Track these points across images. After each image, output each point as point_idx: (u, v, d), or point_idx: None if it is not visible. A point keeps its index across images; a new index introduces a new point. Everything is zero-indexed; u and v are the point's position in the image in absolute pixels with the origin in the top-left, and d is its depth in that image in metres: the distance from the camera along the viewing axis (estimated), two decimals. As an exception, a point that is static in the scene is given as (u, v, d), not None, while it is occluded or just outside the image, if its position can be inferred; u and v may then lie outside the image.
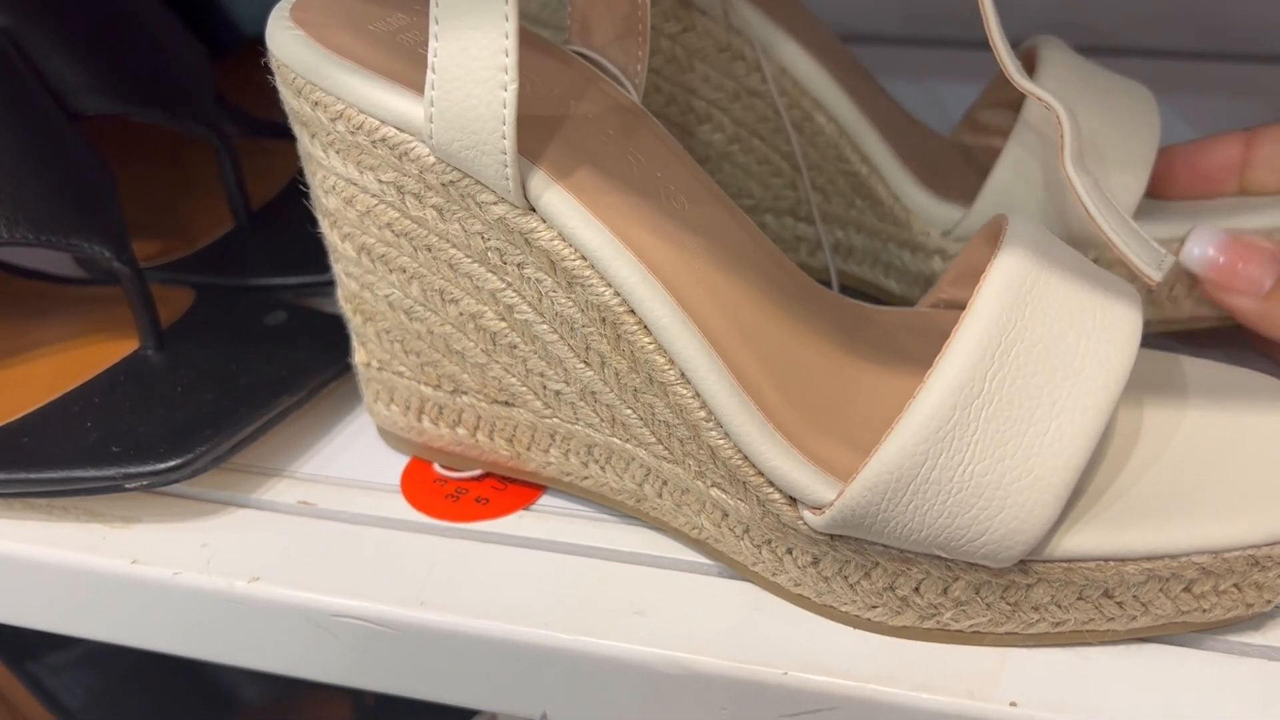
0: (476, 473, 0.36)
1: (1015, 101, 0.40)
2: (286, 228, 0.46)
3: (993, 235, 0.33)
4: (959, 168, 0.41)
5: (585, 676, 0.32)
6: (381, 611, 0.33)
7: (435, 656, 0.33)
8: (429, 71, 0.28)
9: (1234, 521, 0.28)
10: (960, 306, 0.34)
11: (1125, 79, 0.40)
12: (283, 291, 0.44)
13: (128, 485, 0.34)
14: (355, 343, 0.36)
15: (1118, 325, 0.29)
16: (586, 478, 0.34)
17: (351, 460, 0.38)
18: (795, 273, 0.34)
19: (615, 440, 0.33)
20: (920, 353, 0.34)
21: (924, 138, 0.42)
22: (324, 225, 0.34)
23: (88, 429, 0.36)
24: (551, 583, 0.33)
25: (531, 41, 0.34)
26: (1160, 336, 0.39)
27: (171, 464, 0.34)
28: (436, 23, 0.28)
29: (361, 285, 0.34)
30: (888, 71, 0.45)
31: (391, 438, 0.37)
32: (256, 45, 0.33)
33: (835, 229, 0.41)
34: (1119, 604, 0.29)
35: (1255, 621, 0.30)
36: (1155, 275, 0.29)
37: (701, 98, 0.40)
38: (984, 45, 0.30)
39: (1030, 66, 0.40)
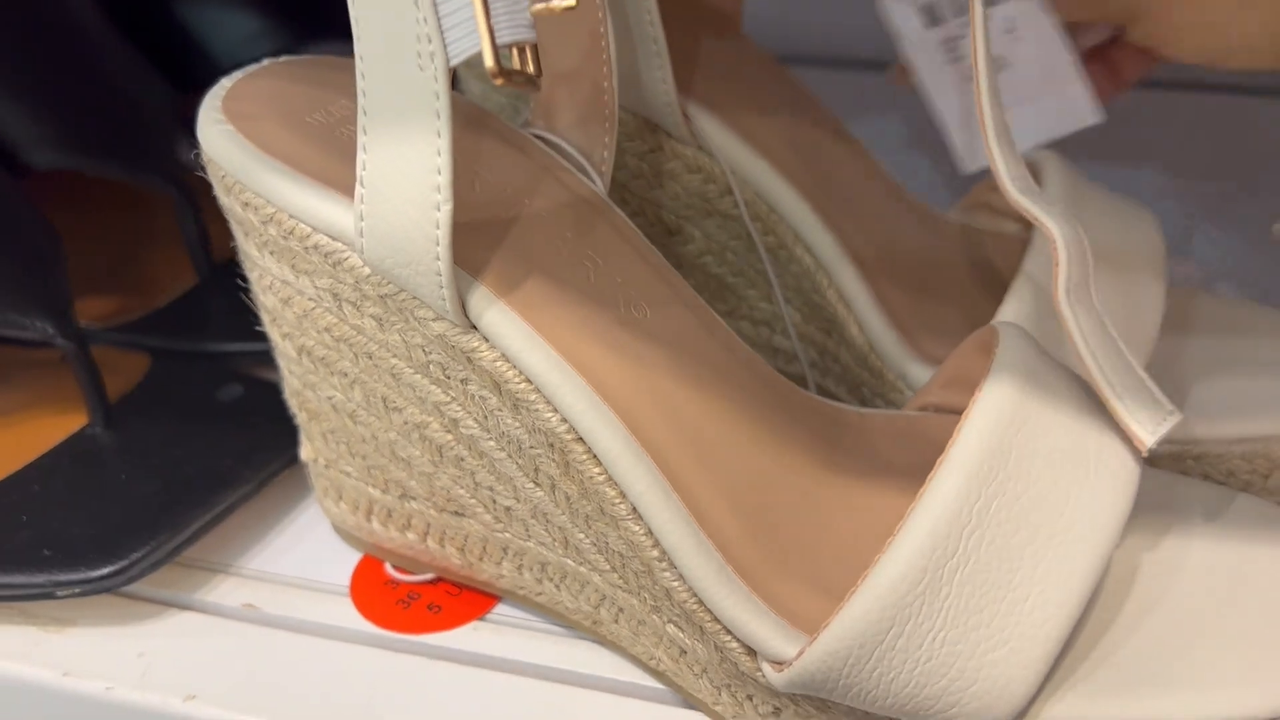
0: (430, 576, 0.34)
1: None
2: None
3: (984, 345, 0.30)
4: (955, 279, 0.38)
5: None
6: (321, 736, 0.31)
7: (377, 786, 0.31)
8: (358, 184, 0.26)
9: (1221, 694, 0.25)
10: (948, 411, 0.32)
11: (1128, 202, 0.37)
12: (243, 358, 0.42)
13: (59, 593, 0.33)
14: (303, 437, 0.34)
15: (1113, 473, 0.26)
16: (541, 594, 0.32)
17: (302, 556, 0.36)
18: (770, 377, 0.32)
19: (569, 562, 0.30)
20: (904, 463, 0.31)
21: (915, 248, 0.39)
22: (265, 321, 0.32)
23: (21, 525, 0.34)
24: (502, 708, 0.31)
25: (486, 127, 0.32)
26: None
27: (104, 571, 0.33)
28: (364, 133, 0.25)
29: (304, 384, 0.32)
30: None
31: (344, 533, 0.35)
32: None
33: (812, 349, 0.38)
34: (1103, 773, 0.26)
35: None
36: (1147, 439, 0.26)
37: (671, 213, 0.37)
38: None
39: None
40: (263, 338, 0.42)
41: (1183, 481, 0.31)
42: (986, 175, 0.41)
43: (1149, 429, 0.26)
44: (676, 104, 0.35)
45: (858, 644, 0.25)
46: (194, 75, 0.50)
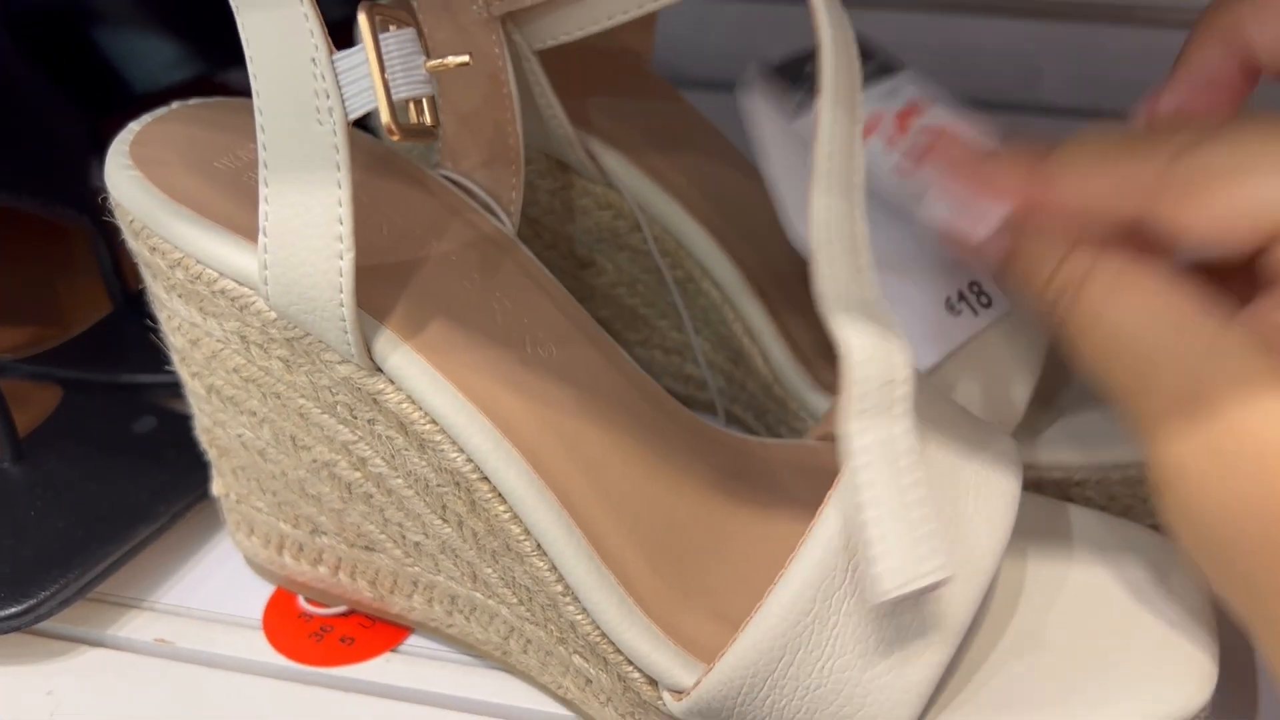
0: (342, 609, 0.35)
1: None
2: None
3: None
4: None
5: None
6: (233, 775, 0.31)
7: (289, 819, 0.31)
8: (260, 233, 0.26)
9: (1102, 713, 0.27)
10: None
11: None
12: (158, 390, 0.42)
13: (-35, 633, 0.32)
14: (214, 472, 0.34)
15: (993, 502, 0.28)
16: (451, 626, 0.32)
17: (215, 589, 0.36)
18: (674, 411, 0.33)
19: (478, 595, 0.31)
20: (803, 494, 0.32)
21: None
22: (174, 360, 0.32)
23: (-72, 564, 0.34)
24: (417, 742, 0.32)
25: (393, 168, 0.32)
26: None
27: (14, 610, 0.33)
28: (266, 184, 0.26)
29: (214, 422, 0.32)
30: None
31: (257, 567, 0.36)
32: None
33: (720, 377, 0.39)
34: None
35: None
36: (882, 586, 0.25)
37: (584, 246, 0.38)
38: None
39: None
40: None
41: (1065, 508, 0.32)
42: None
43: (894, 581, 0.25)
44: (576, 143, 0.36)
45: (751, 673, 0.26)
46: (111, 102, 0.50)
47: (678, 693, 0.27)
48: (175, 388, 0.41)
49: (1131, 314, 0.24)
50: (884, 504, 0.25)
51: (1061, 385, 0.37)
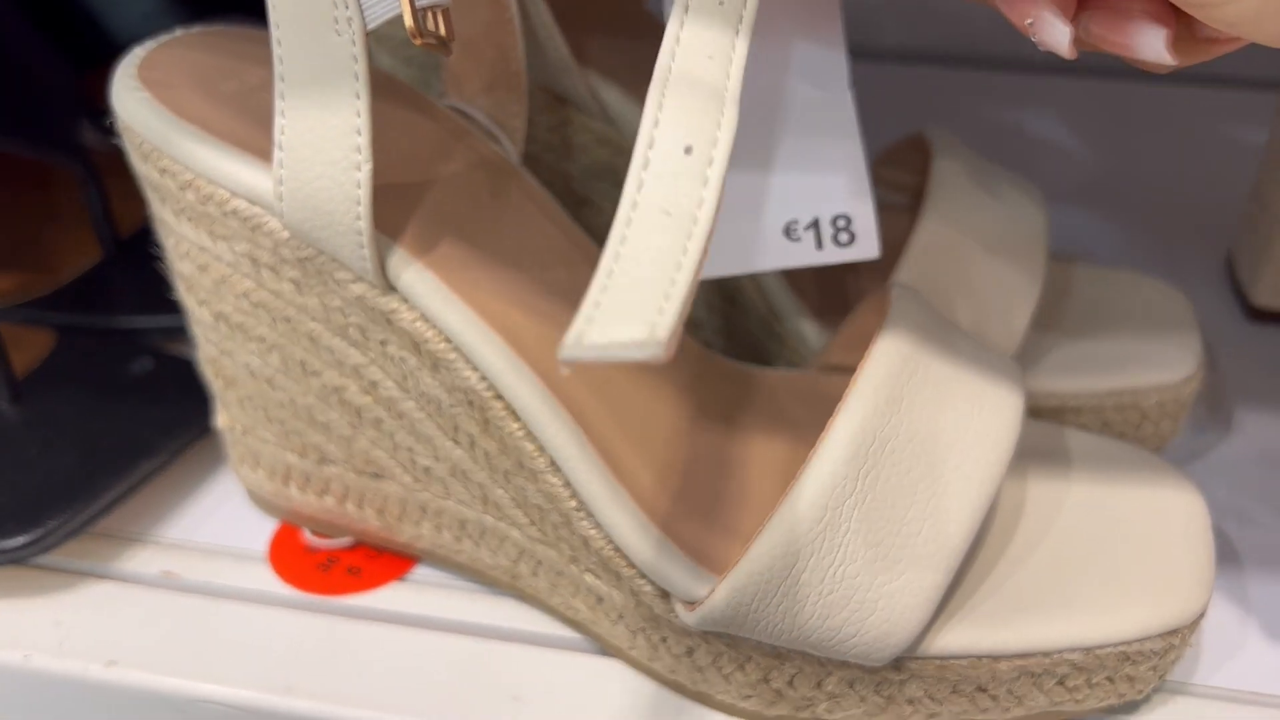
0: (348, 540, 0.35)
1: (917, 163, 0.39)
2: (159, 258, 0.44)
3: (879, 305, 0.32)
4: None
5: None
6: (247, 698, 0.31)
7: (301, 742, 0.32)
8: (275, 149, 0.26)
9: (1106, 618, 0.28)
10: (847, 370, 0.34)
11: (1014, 179, 0.40)
12: (152, 334, 0.41)
13: (-28, 564, 0.32)
14: (218, 405, 0.34)
15: (998, 419, 0.28)
16: (460, 552, 0.33)
17: (219, 525, 0.36)
18: (688, 349, 0.33)
19: (488, 518, 0.31)
20: (805, 420, 0.33)
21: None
22: (179, 288, 0.32)
23: (-69, 499, 0.34)
24: (425, 664, 0.32)
25: (400, 95, 0.32)
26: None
27: (21, 541, 0.32)
28: (282, 98, 0.26)
29: (221, 351, 0.32)
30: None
31: (260, 501, 0.36)
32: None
33: (717, 317, 0.40)
34: (993, 697, 0.28)
35: (1129, 705, 0.30)
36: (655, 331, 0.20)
37: (581, 184, 0.38)
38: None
39: (924, 155, 0.39)
40: (170, 312, 0.42)
41: (1062, 430, 0.33)
42: (878, 154, 0.43)
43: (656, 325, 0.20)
44: (577, 73, 0.36)
45: (764, 579, 0.26)
46: (92, 54, 0.50)
47: (690, 604, 0.28)
48: (170, 332, 0.41)
49: None
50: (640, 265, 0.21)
51: (1057, 316, 0.38)
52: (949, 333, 0.30)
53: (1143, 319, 0.38)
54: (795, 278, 0.38)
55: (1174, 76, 0.60)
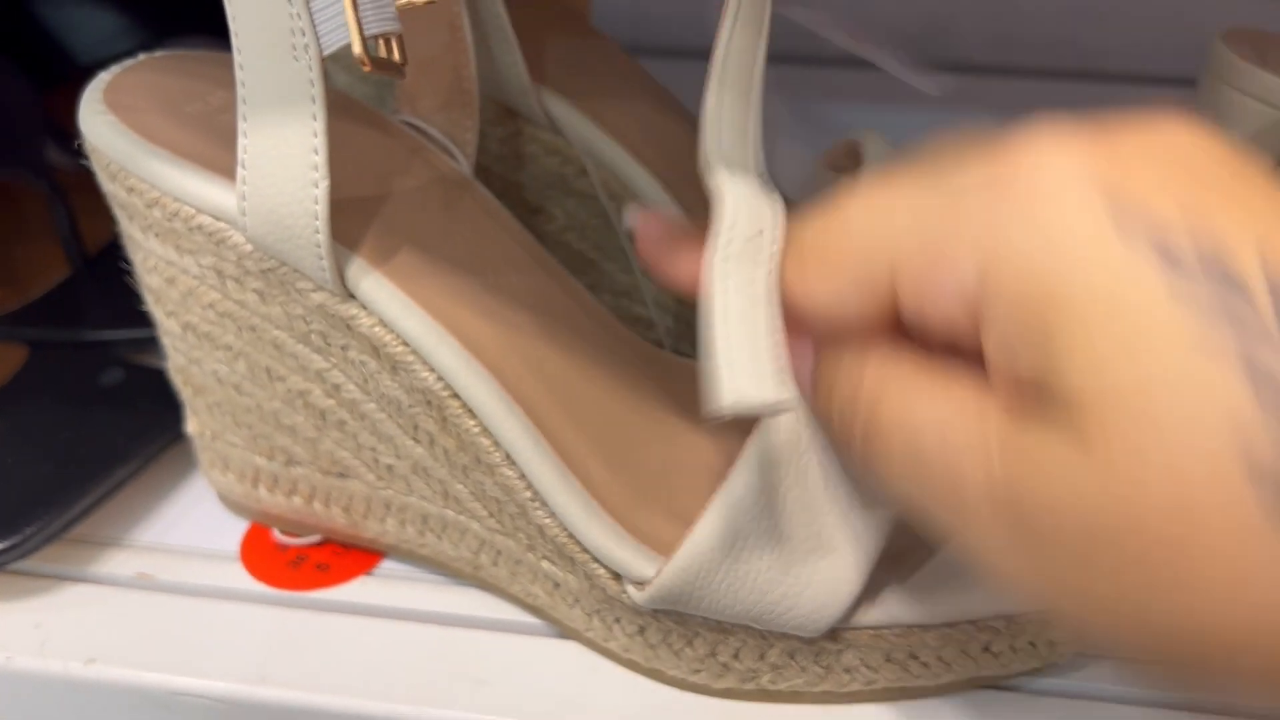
0: (316, 538, 0.36)
1: (851, 166, 0.41)
2: (127, 272, 0.46)
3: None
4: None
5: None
6: (223, 689, 0.33)
7: (276, 730, 0.33)
8: (239, 166, 0.28)
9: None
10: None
11: None
12: (121, 346, 0.43)
13: (-47, 570, 0.34)
14: (188, 412, 0.36)
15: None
16: (424, 546, 0.34)
17: (191, 528, 0.38)
18: (627, 337, 0.35)
19: (449, 513, 0.33)
20: (748, 411, 0.35)
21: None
22: (148, 301, 0.34)
23: (-90, 509, 0.35)
24: (393, 652, 0.33)
25: (356, 114, 0.34)
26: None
27: (1, 546, 0.34)
28: (244, 120, 0.28)
29: (189, 360, 0.34)
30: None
31: (230, 503, 0.37)
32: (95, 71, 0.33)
33: (668, 317, 0.41)
34: (924, 664, 0.30)
35: (1052, 667, 0.32)
36: (724, 401, 0.25)
37: (533, 193, 0.40)
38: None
39: (856, 159, 0.41)
40: (139, 324, 0.43)
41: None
42: (818, 156, 0.45)
43: (730, 397, 0.25)
44: (531, 90, 0.38)
45: (707, 558, 0.28)
46: (54, 75, 0.51)
47: (640, 584, 0.30)
48: (140, 343, 0.43)
49: (925, 413, 0.23)
50: (736, 330, 0.26)
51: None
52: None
53: None
54: None
55: (1094, 75, 0.63)
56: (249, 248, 0.30)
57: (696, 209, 0.40)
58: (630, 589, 0.30)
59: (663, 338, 0.43)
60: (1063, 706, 0.31)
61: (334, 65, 0.41)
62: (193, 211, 0.30)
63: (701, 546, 0.28)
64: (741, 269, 0.27)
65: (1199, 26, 0.47)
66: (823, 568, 0.28)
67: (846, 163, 0.43)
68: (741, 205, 0.28)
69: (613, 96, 0.41)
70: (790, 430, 0.28)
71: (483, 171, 0.41)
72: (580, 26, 0.43)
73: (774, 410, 0.26)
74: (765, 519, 0.28)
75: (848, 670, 0.30)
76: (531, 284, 0.33)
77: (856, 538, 0.29)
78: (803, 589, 0.28)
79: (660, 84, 0.43)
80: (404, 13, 0.26)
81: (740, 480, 0.28)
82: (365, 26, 0.26)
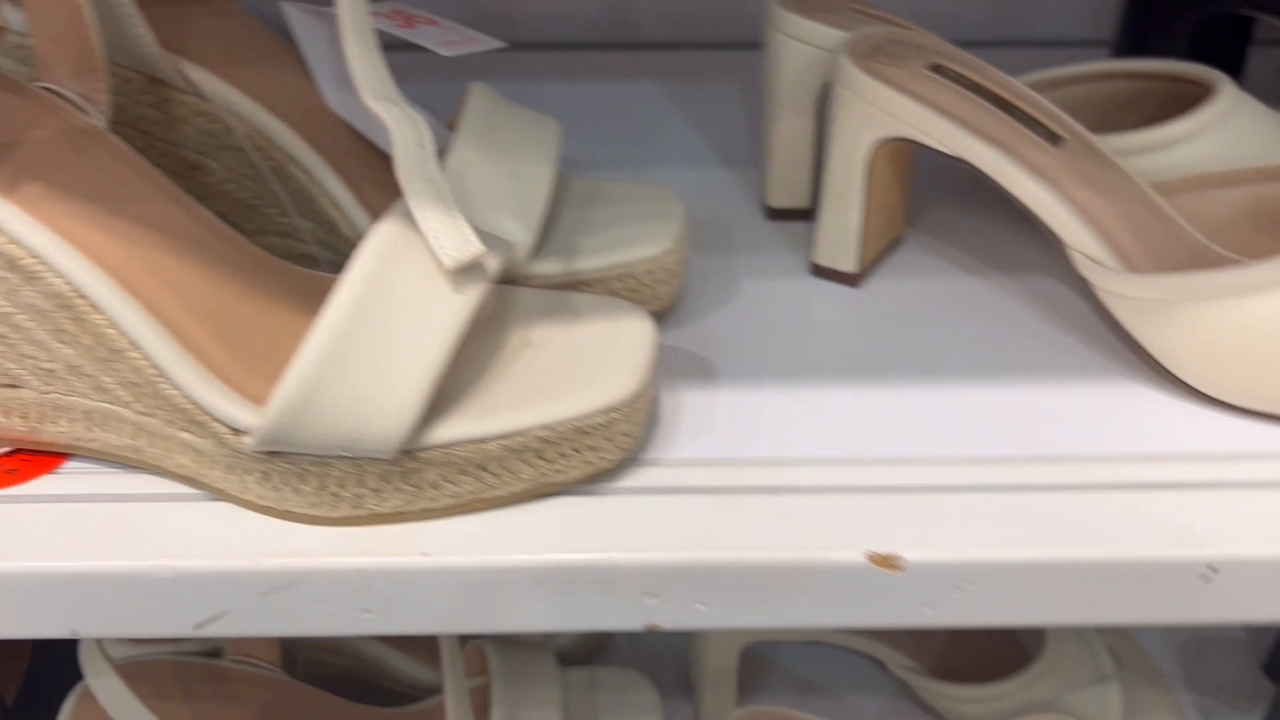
0: (5, 449, 0.42)
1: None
2: None
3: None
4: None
5: (111, 594, 0.38)
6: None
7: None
8: None
9: (560, 403, 0.38)
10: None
11: (535, 114, 0.50)
12: None
13: None
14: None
15: (465, 278, 0.39)
16: (93, 440, 0.41)
17: (-107, 454, 0.43)
18: (260, 258, 0.42)
19: (105, 405, 0.40)
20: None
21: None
22: None
23: None
24: (74, 527, 0.40)
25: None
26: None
27: None
28: None
29: None
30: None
31: (-73, 428, 0.43)
32: None
33: (327, 250, 0.49)
34: (494, 474, 0.38)
35: (616, 474, 0.41)
36: (447, 261, 0.37)
37: (191, 151, 0.47)
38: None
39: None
40: None
41: (568, 293, 0.44)
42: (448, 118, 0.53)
43: (451, 254, 0.37)
44: (162, 59, 0.45)
45: (295, 399, 0.36)
46: None
47: (250, 434, 0.37)
48: None
49: None
50: (432, 214, 0.38)
51: (576, 216, 0.49)
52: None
53: (639, 213, 0.49)
54: (375, 208, 0.48)
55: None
56: (-106, 190, 0.36)
57: (330, 151, 0.48)
58: (246, 440, 0.37)
59: (326, 270, 0.50)
60: (611, 504, 0.40)
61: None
62: None
63: (289, 391, 0.36)
64: (419, 170, 0.38)
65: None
66: (388, 398, 0.36)
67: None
68: (403, 126, 0.38)
69: (247, 63, 0.48)
70: (359, 297, 0.36)
71: (144, 135, 0.48)
72: (224, 7, 0.50)
73: (482, 258, 0.38)
74: (338, 364, 0.36)
75: (434, 486, 0.38)
76: (160, 212, 0.40)
77: (415, 375, 0.36)
78: (375, 415, 0.36)
79: (288, 45, 0.51)
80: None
81: (314, 337, 0.36)
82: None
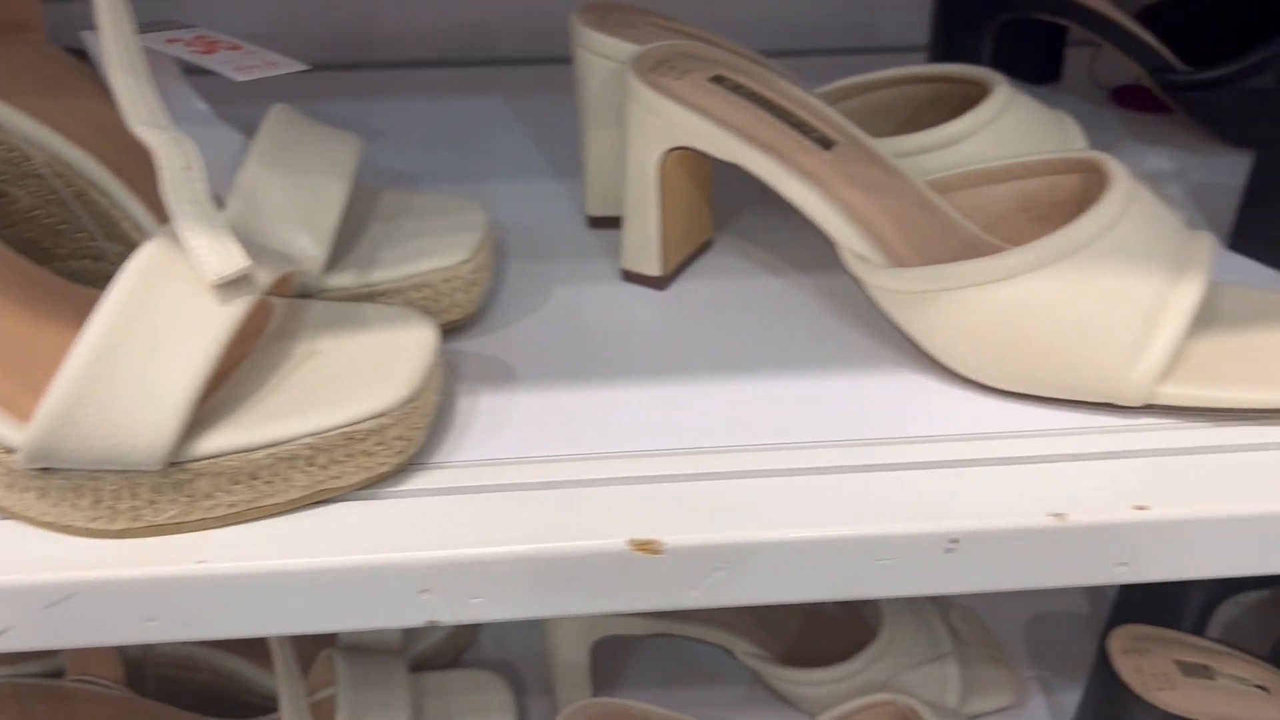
0: None
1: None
2: None
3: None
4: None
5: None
6: None
7: None
8: None
9: (329, 411, 0.40)
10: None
11: (338, 133, 0.52)
12: None
13: None
14: None
15: (231, 292, 0.40)
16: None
17: None
18: (51, 283, 0.44)
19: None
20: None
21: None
22: None
23: None
24: None
25: None
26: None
27: None
28: None
29: None
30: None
31: None
32: None
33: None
34: (268, 483, 0.40)
35: (399, 478, 0.42)
36: (210, 276, 0.39)
37: None
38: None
39: None
40: None
41: (363, 306, 0.45)
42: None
43: (215, 269, 0.39)
44: None
45: (56, 415, 0.37)
46: None
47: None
48: None
49: None
50: (197, 233, 0.39)
51: (374, 229, 0.50)
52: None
53: (441, 225, 0.51)
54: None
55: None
56: None
57: (130, 174, 0.49)
58: (18, 456, 0.39)
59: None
60: (389, 506, 0.42)
61: None
62: None
63: (50, 409, 0.37)
64: (185, 191, 0.39)
65: None
66: (146, 413, 0.38)
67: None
68: (169, 150, 0.40)
69: (50, 95, 0.49)
70: (115, 315, 0.38)
71: (-51, 167, 0.49)
72: (25, 38, 0.51)
73: (249, 272, 0.40)
74: (99, 383, 0.37)
75: (208, 496, 0.40)
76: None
77: (172, 390, 0.38)
78: (136, 431, 0.38)
79: (95, 74, 0.52)
80: None
81: (73, 359, 0.37)
82: None
